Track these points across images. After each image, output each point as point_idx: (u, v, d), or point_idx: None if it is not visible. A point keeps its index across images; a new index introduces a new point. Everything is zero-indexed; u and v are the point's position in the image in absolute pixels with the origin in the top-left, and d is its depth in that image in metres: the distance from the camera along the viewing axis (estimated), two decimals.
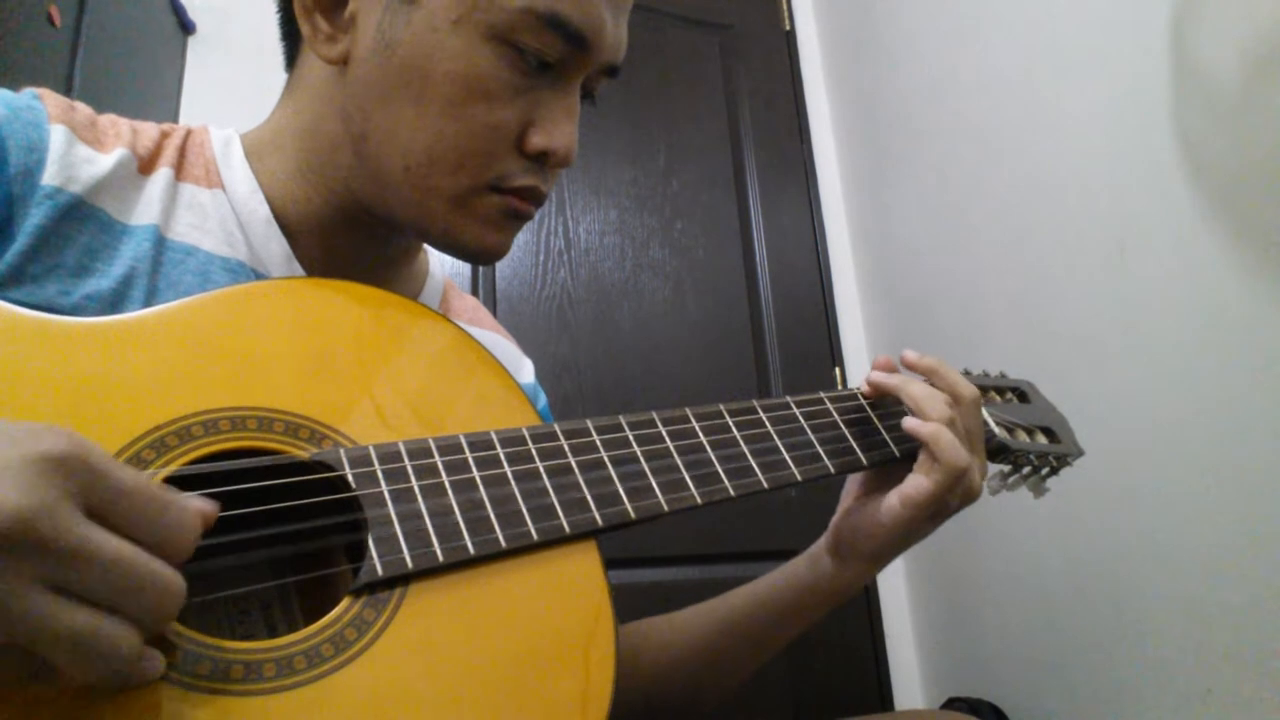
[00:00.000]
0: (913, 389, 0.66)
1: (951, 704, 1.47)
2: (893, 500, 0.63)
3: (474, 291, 1.75)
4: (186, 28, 1.73)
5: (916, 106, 1.71)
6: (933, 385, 0.68)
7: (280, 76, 0.67)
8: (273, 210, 0.62)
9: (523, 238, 1.82)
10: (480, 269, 1.77)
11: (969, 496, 0.64)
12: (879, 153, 1.89)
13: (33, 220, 0.52)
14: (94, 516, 0.34)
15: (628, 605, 0.75)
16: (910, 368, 0.70)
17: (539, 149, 0.59)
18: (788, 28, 2.19)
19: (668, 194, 1.93)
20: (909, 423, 0.64)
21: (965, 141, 1.52)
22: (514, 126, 0.58)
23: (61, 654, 0.32)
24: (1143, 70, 1.09)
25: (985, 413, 0.73)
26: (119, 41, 1.42)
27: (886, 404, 0.69)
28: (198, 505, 0.38)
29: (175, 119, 1.69)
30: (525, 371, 0.81)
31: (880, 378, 0.68)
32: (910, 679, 1.70)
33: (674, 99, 2.01)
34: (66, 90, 1.27)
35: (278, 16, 0.63)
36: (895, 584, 1.78)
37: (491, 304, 1.74)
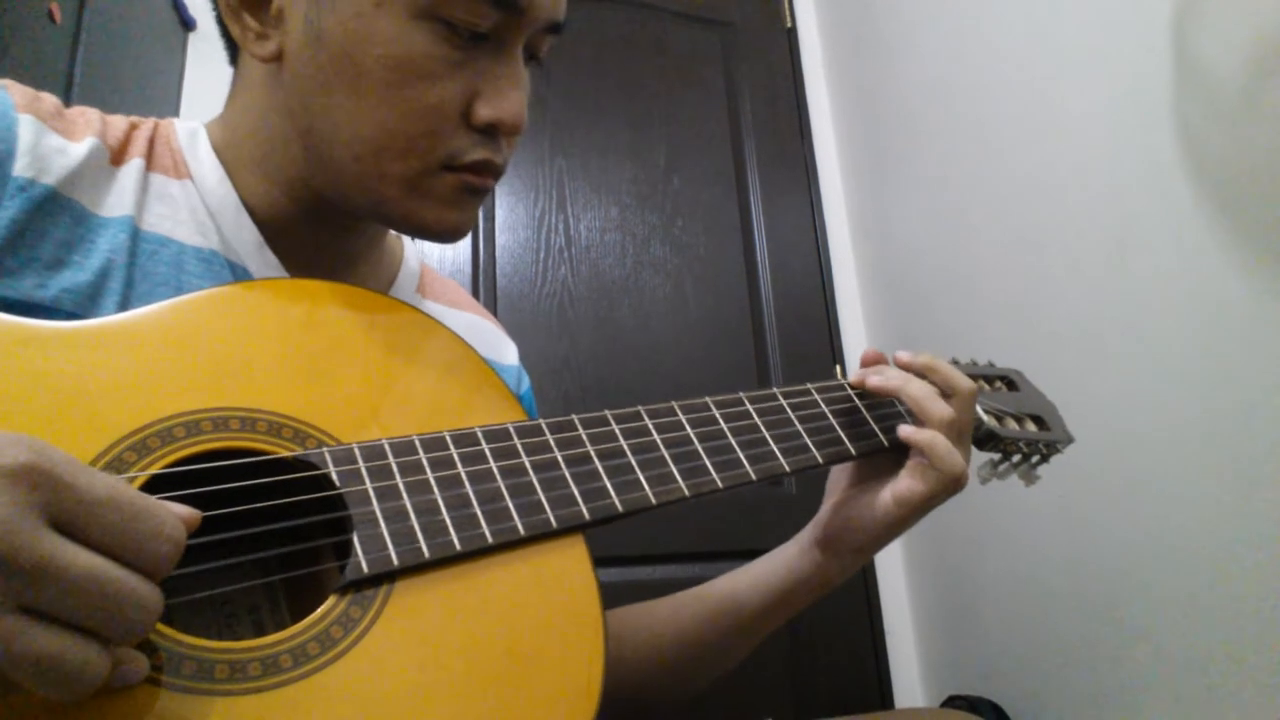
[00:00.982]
0: (912, 389, 0.65)
1: (951, 702, 1.47)
2: (886, 499, 0.64)
3: (474, 289, 1.75)
4: (187, 24, 1.73)
5: (917, 105, 1.71)
6: (928, 380, 0.68)
7: None
8: (241, 199, 0.61)
9: (523, 235, 1.82)
10: (480, 265, 1.77)
11: (957, 489, 0.64)
12: (880, 151, 1.88)
13: (6, 214, 0.51)
14: (63, 530, 0.33)
15: (627, 603, 0.75)
16: (905, 368, 0.69)
17: (487, 121, 0.57)
18: (789, 25, 2.18)
19: (668, 191, 1.93)
20: (904, 431, 0.64)
21: (965, 141, 1.52)
22: (457, 102, 0.56)
23: (26, 676, 0.31)
24: (1144, 69, 1.09)
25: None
26: (119, 38, 1.42)
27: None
28: (178, 511, 0.37)
29: (176, 115, 1.69)
30: (509, 354, 0.80)
31: (878, 382, 0.67)
32: (910, 678, 1.70)
33: (675, 96, 2.01)
34: (67, 87, 1.27)
35: (213, 15, 0.62)
36: (895, 582, 1.77)
37: (492, 301, 1.74)
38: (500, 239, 1.81)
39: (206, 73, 1.70)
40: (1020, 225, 1.36)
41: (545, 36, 0.60)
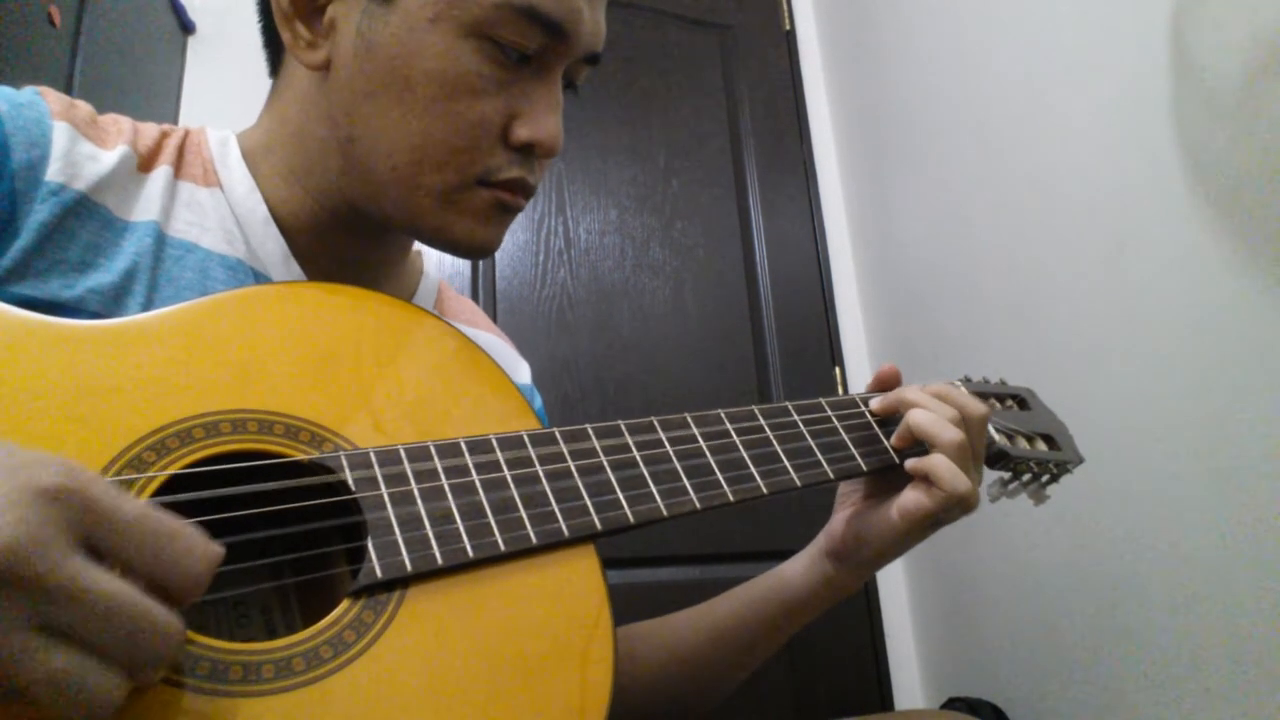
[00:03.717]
0: (916, 418, 0.65)
1: (951, 704, 1.47)
2: (893, 514, 0.64)
3: (474, 292, 1.75)
4: (186, 27, 1.73)
5: (916, 106, 1.71)
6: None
7: None
8: (269, 210, 0.62)
9: (523, 237, 1.82)
10: (480, 268, 1.77)
11: (967, 510, 0.64)
12: (879, 153, 1.89)
13: (37, 217, 0.53)
14: (93, 551, 0.33)
15: (627, 605, 0.75)
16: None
17: (524, 141, 0.59)
18: (788, 28, 2.19)
19: (668, 194, 1.93)
20: (911, 463, 0.64)
21: (965, 141, 1.52)
22: (498, 120, 0.58)
23: (39, 694, 0.31)
24: (1143, 70, 1.09)
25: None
26: (119, 41, 1.42)
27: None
28: (205, 543, 0.37)
29: (175, 119, 1.69)
30: (522, 373, 0.81)
31: (881, 405, 0.68)
32: (910, 679, 1.70)
33: (674, 99, 2.01)
34: (66, 90, 1.26)
35: (259, 24, 0.63)
36: (895, 584, 1.78)
37: (491, 304, 1.74)
38: None
39: (206, 76, 1.70)
40: (1019, 226, 1.36)
41: (584, 66, 0.63)
